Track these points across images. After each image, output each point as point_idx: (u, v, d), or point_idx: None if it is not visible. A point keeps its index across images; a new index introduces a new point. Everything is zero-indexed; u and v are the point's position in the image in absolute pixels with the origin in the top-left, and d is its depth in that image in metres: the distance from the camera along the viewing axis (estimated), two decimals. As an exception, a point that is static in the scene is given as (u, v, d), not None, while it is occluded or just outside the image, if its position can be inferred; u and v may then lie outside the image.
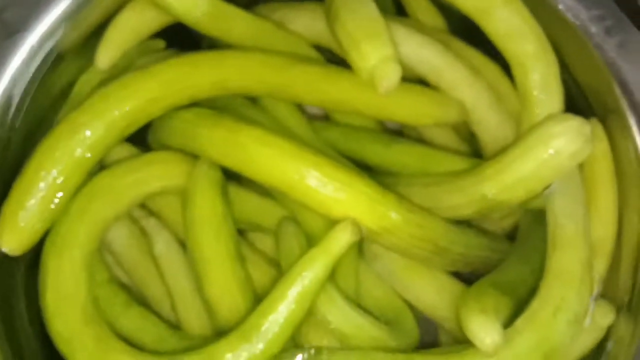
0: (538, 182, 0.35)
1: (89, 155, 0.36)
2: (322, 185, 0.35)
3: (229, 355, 0.33)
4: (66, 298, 0.34)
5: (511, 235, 0.42)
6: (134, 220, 0.40)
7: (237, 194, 0.40)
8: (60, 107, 0.41)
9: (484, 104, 0.41)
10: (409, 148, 0.42)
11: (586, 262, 0.36)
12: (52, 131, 0.36)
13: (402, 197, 0.37)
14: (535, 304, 0.34)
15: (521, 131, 0.39)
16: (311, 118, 0.45)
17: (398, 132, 0.46)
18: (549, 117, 0.36)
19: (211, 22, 0.41)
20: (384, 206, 0.35)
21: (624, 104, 0.37)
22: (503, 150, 0.37)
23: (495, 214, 0.41)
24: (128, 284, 0.41)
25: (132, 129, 0.38)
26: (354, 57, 0.36)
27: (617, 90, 0.37)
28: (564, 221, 0.37)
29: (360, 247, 0.40)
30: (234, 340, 0.33)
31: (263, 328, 0.33)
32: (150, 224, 0.39)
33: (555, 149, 0.34)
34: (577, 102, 0.41)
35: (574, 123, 0.34)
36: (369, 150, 0.43)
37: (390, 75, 0.34)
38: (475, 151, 0.44)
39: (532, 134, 0.35)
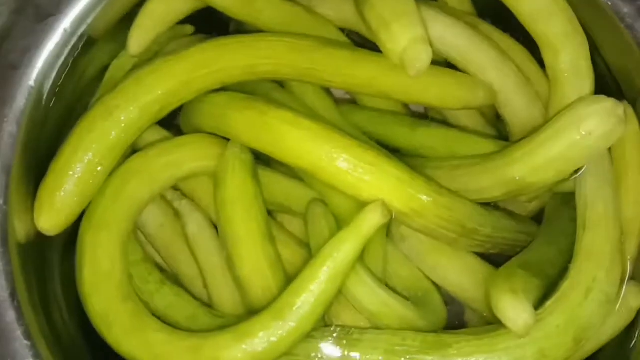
0: (569, 163, 0.35)
1: (123, 137, 0.36)
2: (351, 167, 0.35)
3: (262, 333, 0.33)
4: (103, 275, 0.35)
5: (537, 218, 0.42)
6: (167, 202, 0.41)
7: (267, 176, 0.41)
8: (94, 90, 0.42)
9: (512, 86, 0.41)
10: (435, 131, 0.42)
11: (616, 243, 0.35)
12: (87, 114, 0.37)
13: (430, 180, 0.37)
14: (565, 285, 0.34)
15: (551, 113, 0.39)
16: (338, 102, 0.46)
17: (423, 116, 0.46)
18: (580, 99, 0.36)
19: (241, 6, 0.41)
20: (412, 188, 0.36)
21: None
22: (531, 132, 0.37)
23: (523, 196, 0.41)
24: (161, 264, 0.42)
25: (165, 112, 0.38)
26: (383, 39, 0.36)
27: (648, 72, 0.37)
28: (594, 202, 0.37)
29: (388, 229, 0.40)
30: (267, 318, 0.34)
31: (295, 307, 0.34)
32: (183, 205, 0.40)
33: (587, 131, 0.34)
34: (607, 85, 0.40)
35: (607, 104, 0.34)
36: (396, 134, 0.43)
37: (422, 57, 0.34)
38: (500, 135, 0.44)
39: (563, 116, 0.35)
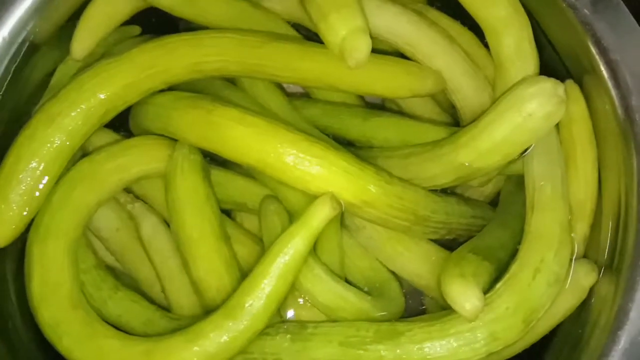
0: (513, 146, 0.35)
1: (67, 143, 0.36)
2: (298, 161, 0.35)
3: (213, 334, 0.33)
4: (52, 285, 0.35)
5: (494, 202, 0.43)
6: (121, 206, 0.40)
7: (221, 175, 0.40)
8: (40, 98, 0.41)
9: (460, 72, 0.41)
10: (387, 121, 0.42)
11: (565, 224, 0.36)
12: (29, 122, 0.37)
13: (380, 170, 0.37)
14: (514, 267, 0.34)
15: (496, 96, 0.39)
16: (293, 96, 0.45)
17: (380, 107, 0.46)
18: (521, 81, 0.36)
19: (184, 5, 0.41)
20: (361, 179, 0.36)
21: (599, 64, 0.37)
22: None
23: (474, 181, 0.41)
24: (120, 269, 0.41)
25: (110, 115, 0.38)
26: (322, 30, 0.36)
27: (593, 50, 0.37)
28: (542, 183, 0.37)
29: (343, 220, 0.40)
30: (219, 318, 0.34)
31: (247, 305, 0.33)
32: (136, 208, 0.40)
33: (529, 112, 0.34)
34: (553, 65, 0.41)
35: (547, 85, 0.34)
36: (349, 125, 0.43)
37: (361, 47, 0.34)
38: (456, 122, 0.44)
39: (504, 99, 0.35)
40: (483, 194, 0.43)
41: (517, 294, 0.33)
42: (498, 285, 0.34)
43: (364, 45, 0.34)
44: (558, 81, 0.35)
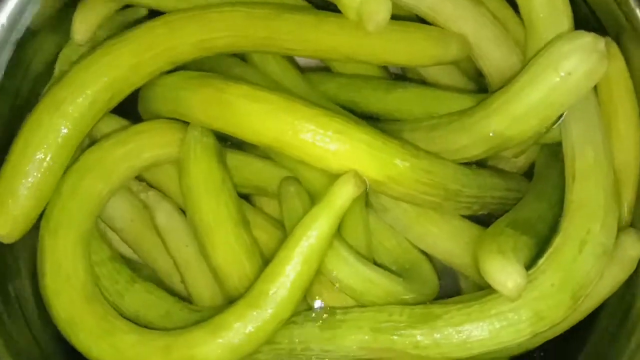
0: (551, 109, 0.33)
1: (74, 131, 0.34)
2: (317, 138, 0.33)
3: (238, 324, 0.31)
4: (65, 278, 0.33)
5: (528, 174, 0.40)
6: (134, 195, 0.39)
7: (237, 159, 0.39)
8: (44, 86, 0.39)
9: (488, 36, 0.38)
10: (411, 92, 0.40)
11: (610, 191, 0.33)
12: (33, 110, 0.35)
13: (405, 143, 0.35)
14: (558, 240, 0.32)
15: (528, 58, 0.37)
16: (308, 71, 0.43)
17: (401, 77, 0.44)
18: (557, 38, 0.33)
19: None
20: (386, 154, 0.33)
21: (639, 18, 0.34)
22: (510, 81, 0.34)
23: (507, 152, 0.38)
24: (137, 260, 0.40)
25: (117, 100, 0.36)
26: (339, -5, 0.33)
27: (631, 3, 0.34)
28: (582, 149, 0.34)
29: (367, 200, 0.38)
30: (242, 308, 0.32)
31: (271, 293, 0.32)
32: (150, 197, 0.38)
33: (568, 70, 0.31)
34: (586, 23, 0.37)
35: (586, 40, 0.31)
36: (370, 98, 0.41)
37: (380, 9, 0.32)
38: (484, 90, 0.42)
39: (540, 58, 0.32)
40: (516, 165, 0.41)
41: (562, 269, 0.31)
42: (541, 261, 0.32)
43: (383, 7, 0.32)
44: (598, 35, 0.32)
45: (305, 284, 0.32)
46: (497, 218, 0.36)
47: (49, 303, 0.34)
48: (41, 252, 0.34)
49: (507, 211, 0.37)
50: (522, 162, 0.40)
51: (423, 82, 0.42)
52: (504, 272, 0.30)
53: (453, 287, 0.41)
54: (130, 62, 0.35)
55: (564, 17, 0.36)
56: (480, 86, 0.42)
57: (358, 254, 0.35)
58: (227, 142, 0.38)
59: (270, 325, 0.32)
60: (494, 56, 0.39)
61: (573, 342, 0.37)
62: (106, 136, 0.37)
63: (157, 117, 0.38)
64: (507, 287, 0.30)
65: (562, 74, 0.31)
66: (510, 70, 0.38)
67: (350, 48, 0.37)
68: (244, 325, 0.31)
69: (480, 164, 0.39)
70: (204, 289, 0.37)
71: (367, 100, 0.41)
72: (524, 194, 0.38)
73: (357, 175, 0.33)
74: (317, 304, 0.35)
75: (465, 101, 0.38)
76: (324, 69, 0.44)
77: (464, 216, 0.38)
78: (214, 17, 0.37)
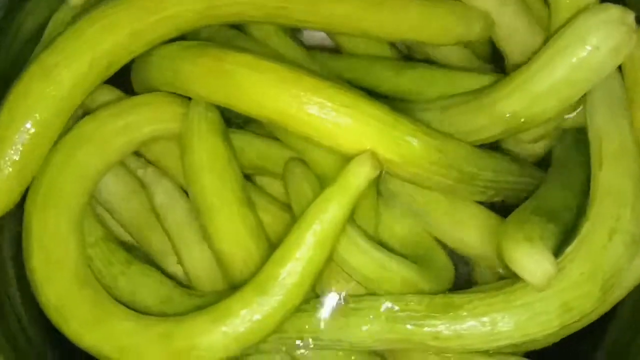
0: (574, 87, 0.31)
1: (66, 100, 0.32)
2: (325, 111, 0.31)
3: (244, 312, 0.29)
4: (54, 262, 0.31)
5: (544, 164, 0.38)
6: (131, 172, 0.36)
7: (239, 138, 0.36)
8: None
9: (511, 14, 0.37)
10: (423, 72, 0.38)
11: (638, 177, 0.31)
12: (21, 76, 0.32)
13: (417, 121, 0.33)
14: (586, 228, 0.30)
15: (550, 35, 0.35)
16: (317, 49, 0.41)
17: (407, 57, 0.42)
18: (584, 10, 0.31)
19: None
20: (398, 130, 0.31)
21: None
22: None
23: (526, 135, 0.36)
24: (132, 243, 0.37)
25: (114, 68, 0.34)
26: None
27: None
28: (609, 133, 0.33)
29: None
30: (249, 293, 0.30)
31: (280, 278, 0.29)
32: (149, 174, 0.36)
33: (595, 44, 0.29)
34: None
35: (614, 12, 0.30)
36: (379, 78, 0.39)
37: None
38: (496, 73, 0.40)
39: (565, 32, 0.30)
40: (532, 153, 0.39)
41: (591, 257, 0.29)
42: (569, 249, 0.30)
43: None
44: (626, 8, 0.30)
45: (317, 269, 0.30)
46: (510, 206, 0.34)
47: (36, 288, 0.31)
48: (27, 231, 0.32)
49: (521, 198, 0.35)
50: (539, 148, 0.39)
51: (431, 62, 0.40)
52: (533, 260, 0.28)
53: (464, 277, 0.39)
54: (131, 27, 0.33)
55: (589, -7, 0.34)
56: (493, 68, 0.40)
57: (372, 239, 0.33)
58: (229, 122, 0.36)
59: (279, 313, 0.29)
60: (517, 37, 0.37)
61: (590, 335, 0.35)
62: (102, 106, 0.35)
63: (151, 90, 0.36)
64: (537, 276, 0.28)
65: (589, 48, 0.30)
66: (532, 50, 0.36)
67: (368, 22, 0.35)
68: (251, 313, 0.29)
69: (494, 149, 0.37)
70: (204, 273, 0.34)
71: (376, 80, 0.39)
72: (538, 181, 0.37)
73: (374, 156, 0.31)
74: (328, 291, 0.33)
75: (480, 81, 0.37)
76: (332, 50, 0.42)
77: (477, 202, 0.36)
78: (222, -17, 0.34)
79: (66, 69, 0.32)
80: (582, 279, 0.29)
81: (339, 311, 0.31)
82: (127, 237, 0.37)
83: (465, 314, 0.29)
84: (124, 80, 0.36)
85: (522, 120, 0.33)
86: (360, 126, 0.31)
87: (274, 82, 0.31)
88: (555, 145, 0.38)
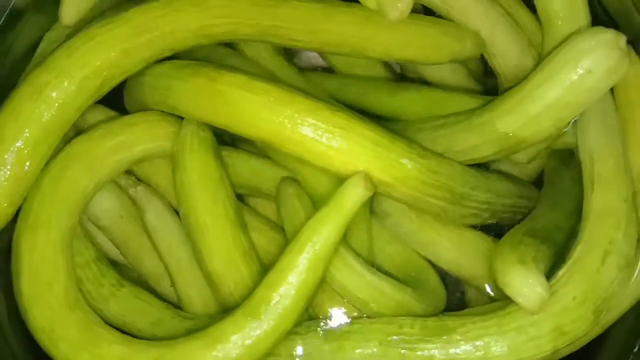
0: (567, 109, 0.31)
1: (58, 119, 0.31)
2: (319, 133, 0.31)
3: (235, 337, 0.29)
4: (44, 283, 0.30)
5: (536, 182, 0.38)
6: (122, 190, 0.36)
7: (231, 156, 0.36)
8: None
9: (502, 33, 0.37)
10: (416, 94, 0.38)
11: (630, 199, 0.32)
12: (12, 95, 0.32)
13: (411, 142, 0.33)
14: (579, 251, 0.30)
15: (544, 56, 0.35)
16: (309, 69, 0.41)
17: (399, 75, 0.42)
18: (576, 33, 0.31)
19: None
20: (392, 152, 0.31)
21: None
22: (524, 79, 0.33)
23: (521, 156, 0.36)
24: (123, 263, 0.37)
25: (107, 87, 0.33)
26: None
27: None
28: (601, 156, 0.33)
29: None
30: (240, 318, 0.29)
31: (273, 302, 0.29)
32: (139, 192, 0.35)
33: (587, 68, 0.30)
34: (603, 25, 0.36)
35: (607, 36, 0.30)
36: (372, 100, 0.39)
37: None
38: (489, 93, 0.40)
39: (557, 54, 0.31)
40: (525, 171, 0.39)
41: (585, 281, 0.29)
42: (561, 272, 0.30)
43: (406, -5, 0.30)
44: (618, 32, 0.30)
45: (310, 292, 0.30)
46: (505, 228, 0.34)
47: (24, 310, 0.31)
48: (17, 252, 0.31)
49: (517, 221, 0.35)
50: (532, 168, 0.39)
51: (425, 82, 0.41)
52: (526, 284, 0.28)
53: (456, 297, 0.39)
54: (124, 45, 0.32)
55: (582, 16, 0.34)
56: (486, 87, 0.41)
57: (365, 261, 0.33)
58: (219, 139, 0.36)
59: (271, 337, 0.29)
60: (508, 55, 0.37)
61: (582, 359, 0.35)
62: (93, 127, 0.34)
63: (144, 109, 0.35)
64: (530, 299, 0.28)
65: (581, 71, 0.30)
66: (524, 70, 0.37)
67: (362, 41, 0.35)
68: (243, 337, 0.29)
69: (487, 169, 0.37)
70: (196, 295, 0.34)
71: (369, 101, 0.39)
72: (533, 202, 0.37)
73: (368, 177, 0.31)
74: (320, 313, 0.32)
75: (474, 102, 0.37)
76: (324, 70, 0.42)
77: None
78: (217, 2, 0.34)
79: (57, 88, 0.31)
80: (575, 303, 0.29)
81: (332, 334, 0.31)
82: (119, 257, 0.37)
83: (458, 337, 0.29)
84: (116, 101, 0.36)
85: (515, 140, 0.33)
86: (354, 147, 0.31)
87: (268, 103, 0.31)
88: (545, 165, 0.38)
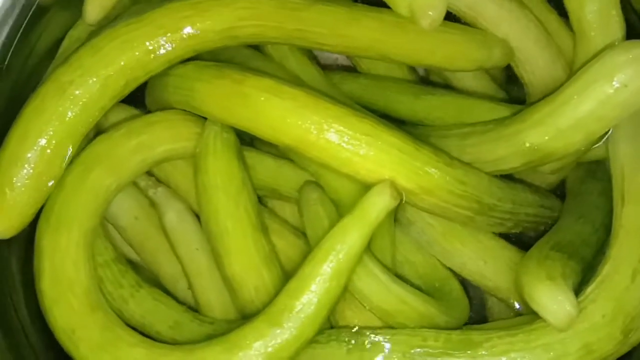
0: (599, 123, 0.30)
1: (81, 118, 0.31)
2: (344, 139, 0.30)
3: (257, 344, 0.28)
4: (65, 284, 0.30)
5: (556, 191, 0.38)
6: (141, 191, 0.36)
7: (251, 157, 0.36)
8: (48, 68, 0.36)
9: (532, 41, 0.36)
10: (442, 99, 0.38)
11: (662, 217, 0.31)
12: (35, 93, 0.32)
13: (438, 150, 0.32)
14: (608, 268, 0.30)
15: (575, 68, 0.35)
16: (334, 69, 0.41)
17: (424, 79, 0.41)
18: (610, 47, 0.31)
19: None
20: (418, 161, 0.31)
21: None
22: (555, 91, 0.32)
23: (546, 167, 0.36)
24: (139, 263, 0.37)
25: (131, 87, 0.33)
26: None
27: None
28: (633, 170, 0.32)
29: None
30: (262, 324, 0.29)
31: (295, 310, 0.29)
32: (159, 193, 0.35)
33: (622, 82, 0.29)
34: (637, 36, 0.35)
35: None
36: (396, 103, 0.38)
37: (436, 4, 0.29)
38: (511, 100, 0.39)
39: (591, 67, 0.30)
40: (547, 181, 0.38)
41: (613, 298, 0.29)
42: (589, 289, 0.29)
43: (440, 1, 0.29)
44: None
45: (333, 301, 0.29)
46: (528, 237, 0.34)
47: (46, 311, 0.31)
48: (39, 252, 0.31)
49: (539, 231, 0.34)
50: (553, 178, 0.38)
51: (449, 87, 0.40)
52: (555, 301, 0.27)
53: (478, 308, 0.38)
54: (149, 45, 0.32)
55: (617, 28, 0.34)
56: (510, 94, 0.40)
57: (389, 271, 0.32)
58: (239, 139, 0.35)
59: (293, 345, 0.29)
60: (537, 64, 0.36)
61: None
62: (115, 126, 0.34)
63: (166, 109, 0.35)
64: (559, 317, 0.27)
65: (616, 85, 0.29)
66: (553, 79, 0.36)
67: (389, 46, 0.35)
68: (264, 345, 0.28)
69: (509, 178, 0.37)
70: (214, 300, 0.34)
71: (392, 104, 0.38)
72: (556, 212, 0.36)
73: (393, 185, 0.30)
74: (342, 323, 0.32)
75: (501, 111, 0.36)
76: (346, 68, 0.42)
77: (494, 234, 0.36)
78: (243, 4, 0.33)
79: (81, 87, 0.31)
80: (604, 321, 0.28)
81: (354, 345, 0.30)
82: (137, 258, 0.36)
83: (484, 352, 0.28)
84: (137, 99, 0.36)
85: (544, 153, 0.32)
86: (380, 155, 0.31)
87: (294, 108, 0.31)
88: (568, 175, 0.38)
